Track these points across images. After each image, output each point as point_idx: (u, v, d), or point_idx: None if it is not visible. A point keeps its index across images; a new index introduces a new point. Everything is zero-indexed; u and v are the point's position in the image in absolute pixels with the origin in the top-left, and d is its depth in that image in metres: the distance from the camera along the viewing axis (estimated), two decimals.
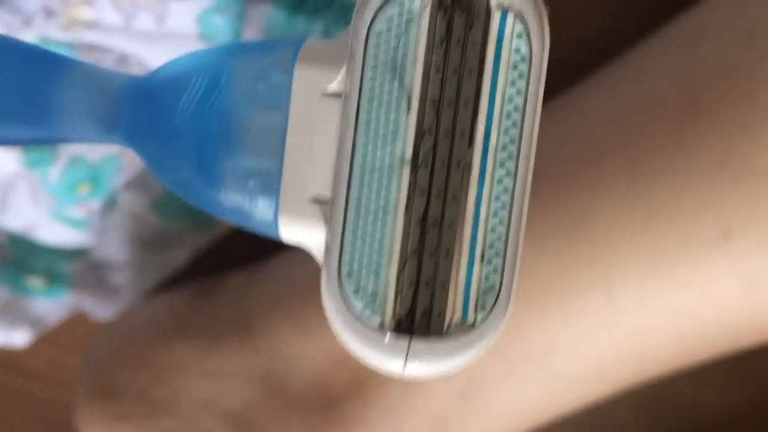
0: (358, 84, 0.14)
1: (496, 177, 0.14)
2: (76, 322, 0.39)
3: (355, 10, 0.14)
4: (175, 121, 0.15)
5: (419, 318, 0.14)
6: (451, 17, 0.14)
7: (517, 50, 0.15)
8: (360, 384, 0.34)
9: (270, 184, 0.15)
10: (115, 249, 0.38)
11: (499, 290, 0.14)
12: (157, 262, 0.40)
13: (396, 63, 0.14)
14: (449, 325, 0.14)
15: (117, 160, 0.36)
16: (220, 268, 0.40)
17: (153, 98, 0.16)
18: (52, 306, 0.39)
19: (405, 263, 0.14)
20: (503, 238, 0.14)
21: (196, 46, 0.33)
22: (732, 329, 0.32)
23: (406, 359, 0.14)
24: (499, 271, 0.14)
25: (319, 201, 0.14)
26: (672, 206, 0.30)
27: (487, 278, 0.14)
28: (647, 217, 0.31)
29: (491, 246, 0.14)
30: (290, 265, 0.36)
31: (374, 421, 0.34)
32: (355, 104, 0.14)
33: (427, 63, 0.14)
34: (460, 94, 0.14)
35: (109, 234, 0.38)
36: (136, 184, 0.37)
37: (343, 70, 0.14)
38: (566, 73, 0.37)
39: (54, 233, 0.38)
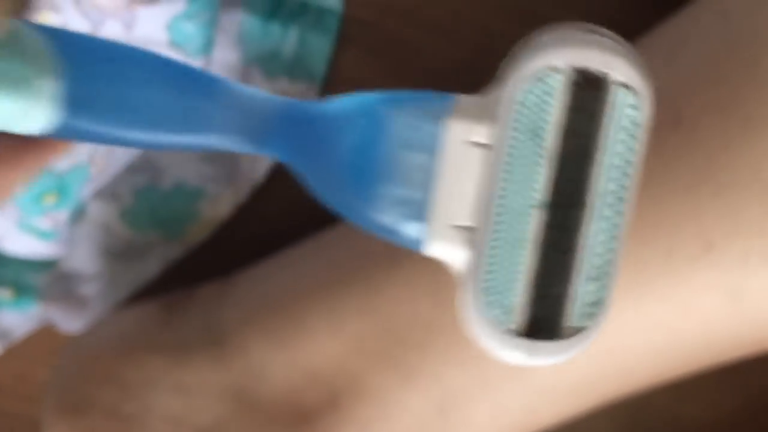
0: (504, 141, 0.17)
1: (606, 215, 0.18)
2: (45, 335, 0.39)
3: (504, 83, 0.18)
4: (338, 151, 0.19)
5: (542, 324, 0.18)
6: (581, 92, 0.17)
7: (630, 117, 0.18)
8: (334, 399, 0.34)
9: (419, 212, 0.18)
10: (84, 260, 0.38)
11: (602, 303, 0.18)
12: (128, 273, 0.39)
13: (536, 126, 0.17)
14: (564, 329, 0.18)
15: (84, 170, 0.35)
16: (192, 280, 0.39)
17: (317, 126, 0.19)
18: (20, 318, 0.38)
19: (533, 281, 0.17)
20: (610, 262, 0.18)
21: (166, 53, 0.32)
22: (714, 343, 0.31)
23: (530, 355, 0.18)
24: (606, 288, 0.18)
25: (461, 228, 0.18)
26: (652, 218, 0.30)
27: (596, 293, 0.18)
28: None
29: (600, 268, 0.18)
30: (262, 277, 0.36)
31: None
32: (501, 157, 0.17)
33: (560, 127, 0.17)
34: (583, 152, 0.17)
35: (77, 245, 0.37)
36: (105, 194, 0.37)
37: (490, 127, 0.17)
38: None
39: (21, 244, 0.37)
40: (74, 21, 0.31)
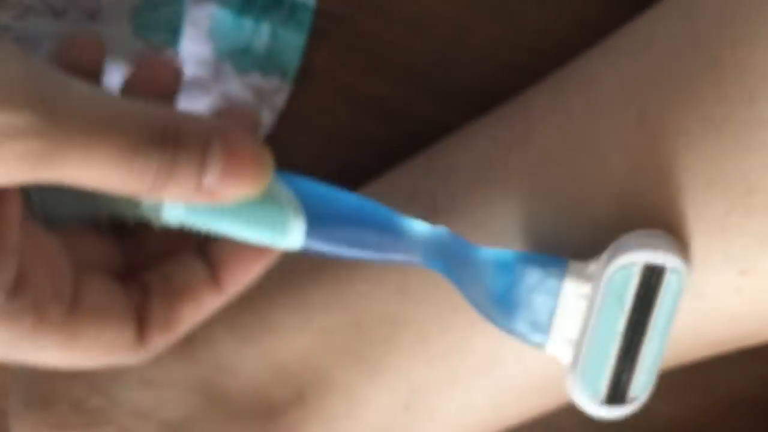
0: (598, 298, 0.29)
1: (659, 339, 0.29)
2: None
3: (605, 266, 0.29)
4: (485, 284, 0.30)
5: (617, 397, 0.30)
6: (649, 276, 0.29)
7: (676, 289, 0.29)
8: (301, 395, 0.34)
9: (544, 327, 0.30)
10: None
11: (650, 384, 0.30)
12: None
13: (620, 294, 0.29)
14: (627, 400, 0.30)
15: None
16: None
17: (470, 263, 0.30)
18: None
19: (613, 375, 0.30)
20: (655, 365, 0.30)
21: (132, 42, 0.32)
22: (678, 341, 0.31)
23: (609, 413, 0.30)
24: (652, 376, 0.30)
25: (570, 340, 0.30)
26: (615, 214, 0.30)
27: (646, 380, 0.30)
28: (593, 227, 0.30)
29: (651, 368, 0.30)
30: None
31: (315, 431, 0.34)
32: (595, 305, 0.29)
33: (635, 295, 0.29)
34: (646, 308, 0.29)
35: None
36: None
37: (592, 289, 0.29)
38: (519, 80, 0.37)
39: None
40: (37, 10, 0.31)
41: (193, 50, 0.37)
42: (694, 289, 0.30)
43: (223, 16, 0.37)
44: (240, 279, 0.28)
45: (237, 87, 0.38)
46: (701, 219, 0.29)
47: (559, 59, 0.36)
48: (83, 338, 0.26)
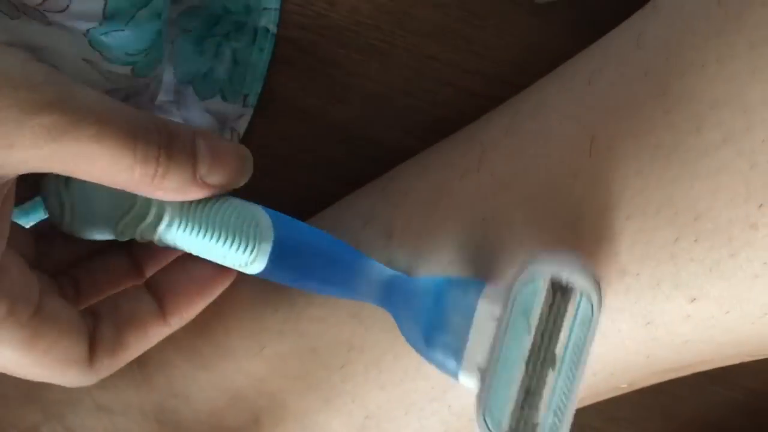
0: (505, 319, 0.27)
1: (568, 374, 0.27)
2: None
3: (511, 289, 0.28)
4: (419, 311, 0.29)
5: None
6: (556, 295, 0.27)
7: (585, 317, 0.27)
8: (256, 420, 0.34)
9: (457, 354, 0.28)
10: None
11: (560, 429, 0.27)
12: None
13: (526, 313, 0.27)
14: None
15: None
16: None
17: (411, 294, 0.30)
18: None
19: (515, 408, 0.27)
20: (565, 405, 0.27)
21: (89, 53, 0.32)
22: (630, 367, 0.31)
23: None
24: (561, 420, 0.27)
25: (479, 368, 0.28)
26: (568, 243, 0.30)
27: (554, 424, 0.27)
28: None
29: (559, 408, 0.27)
30: None
31: None
32: (504, 327, 0.27)
33: (541, 315, 0.27)
34: (554, 330, 0.27)
35: None
36: None
37: (501, 310, 0.28)
38: (478, 105, 0.37)
39: None
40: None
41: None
42: (644, 316, 0.30)
43: (184, 42, 0.37)
44: (184, 313, 0.31)
45: (198, 113, 0.38)
46: (651, 245, 0.29)
47: (516, 85, 0.37)
48: (41, 342, 0.28)
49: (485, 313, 0.27)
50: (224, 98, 0.38)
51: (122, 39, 0.31)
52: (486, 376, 0.27)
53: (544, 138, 0.31)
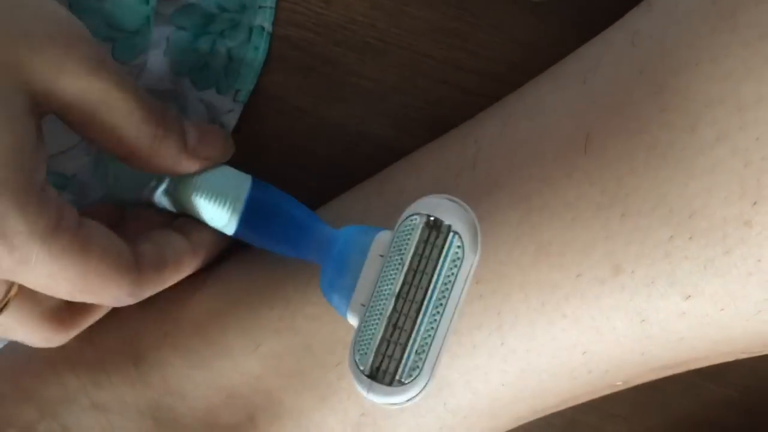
0: (387, 254, 0.28)
1: (433, 312, 0.27)
2: None
3: (397, 223, 0.28)
4: (328, 260, 0.30)
5: (382, 374, 0.27)
6: (430, 231, 0.27)
7: (456, 253, 0.27)
8: (252, 418, 0.34)
9: (349, 294, 0.28)
10: None
11: (421, 370, 0.27)
12: None
13: (402, 250, 0.27)
14: (393, 381, 0.27)
15: None
16: None
17: (329, 245, 0.31)
18: None
19: (381, 343, 0.27)
20: (428, 344, 0.27)
21: None
22: (625, 365, 0.31)
23: (368, 392, 0.27)
24: (423, 360, 0.27)
25: (363, 303, 0.28)
26: (562, 241, 0.30)
27: (415, 363, 0.27)
28: (538, 251, 0.30)
29: (422, 347, 0.27)
30: (181, 297, 0.36)
31: None
32: (386, 264, 0.28)
33: (415, 252, 0.27)
34: (426, 268, 0.27)
35: None
36: None
37: (386, 246, 0.28)
38: (474, 104, 0.37)
39: None
40: None
41: (153, 68, 0.37)
42: (639, 314, 0.30)
43: (180, 37, 0.37)
44: (210, 249, 0.34)
45: (193, 102, 0.38)
46: (646, 243, 0.29)
47: (511, 84, 0.37)
48: (95, 248, 0.29)
49: (376, 250, 0.28)
50: (219, 91, 0.38)
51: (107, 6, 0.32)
52: (363, 312, 0.27)
53: (538, 136, 0.31)
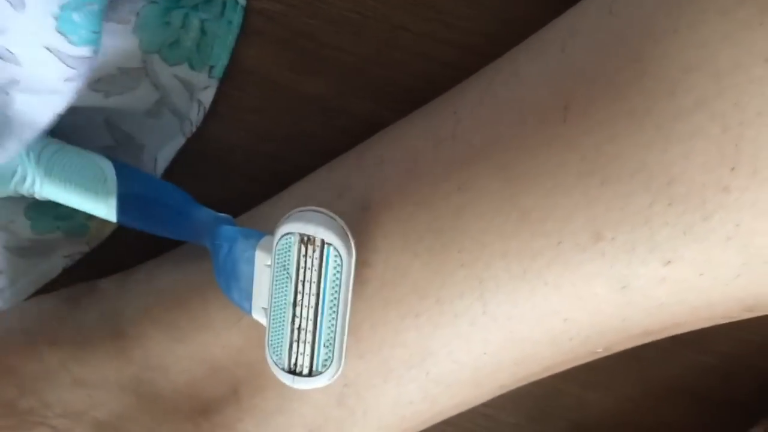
0: (272, 269, 0.31)
1: (330, 312, 0.31)
2: None
3: (273, 243, 0.31)
4: (223, 257, 0.33)
5: (300, 368, 0.31)
6: (306, 246, 0.30)
7: (335, 261, 0.30)
8: (235, 391, 0.34)
9: (248, 296, 0.32)
10: None
11: (332, 359, 0.31)
12: (30, 272, 0.38)
13: (285, 264, 0.31)
14: (310, 372, 0.31)
15: None
16: (95, 275, 0.39)
17: (220, 238, 0.33)
18: None
19: (291, 344, 0.31)
20: (332, 337, 0.31)
21: (51, 39, 0.32)
22: (606, 331, 0.32)
23: (293, 383, 0.31)
24: (331, 350, 0.31)
25: (263, 309, 0.32)
26: (543, 208, 0.30)
27: (326, 354, 0.31)
28: (519, 219, 0.30)
29: (328, 341, 0.31)
30: (160, 272, 0.36)
31: (250, 428, 0.34)
32: (273, 275, 0.31)
33: (298, 266, 0.31)
34: (312, 277, 0.31)
35: None
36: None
37: (271, 257, 0.31)
38: (452, 76, 0.37)
39: None
40: None
41: (118, 45, 0.36)
42: (620, 280, 0.30)
43: (150, 11, 0.37)
44: None
45: (166, 77, 0.37)
46: (626, 210, 0.29)
47: (489, 56, 0.37)
48: None
49: (261, 260, 0.31)
50: (191, 67, 0.38)
51: (92, 15, 0.31)
52: (268, 316, 0.31)
53: (518, 106, 0.31)
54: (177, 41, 0.37)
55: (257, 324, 0.33)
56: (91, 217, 0.39)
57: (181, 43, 0.37)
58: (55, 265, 0.39)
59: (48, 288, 0.39)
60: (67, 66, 0.32)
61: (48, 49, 0.31)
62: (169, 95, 0.38)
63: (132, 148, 0.38)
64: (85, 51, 0.32)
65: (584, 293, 0.30)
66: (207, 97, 0.38)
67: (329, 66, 0.38)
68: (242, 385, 0.34)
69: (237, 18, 0.37)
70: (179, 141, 0.38)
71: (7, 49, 0.31)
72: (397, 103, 0.38)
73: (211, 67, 0.38)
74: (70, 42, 0.31)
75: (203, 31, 0.37)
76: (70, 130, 0.36)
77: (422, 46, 0.38)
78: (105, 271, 0.39)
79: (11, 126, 0.33)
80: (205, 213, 0.34)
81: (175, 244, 0.38)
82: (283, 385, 0.33)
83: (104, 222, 0.39)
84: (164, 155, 0.38)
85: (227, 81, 0.38)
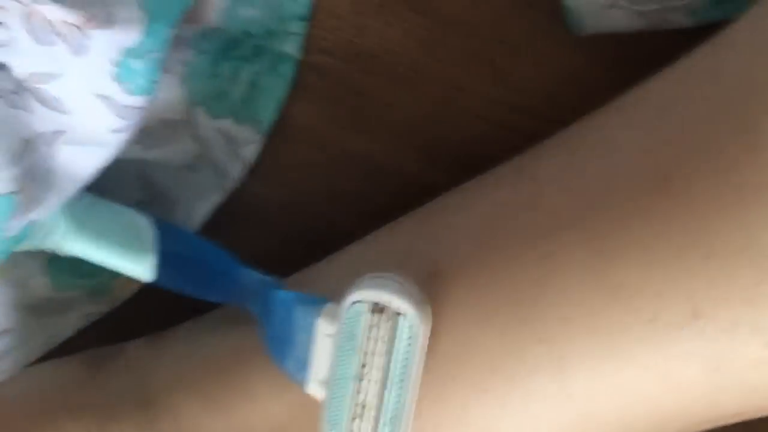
0: (337, 339, 0.29)
1: (398, 387, 0.29)
2: None
3: (341, 310, 0.29)
4: (276, 322, 0.31)
5: None
6: (377, 316, 0.29)
7: (409, 331, 0.29)
8: None
9: (305, 366, 0.30)
10: None
11: None
12: (44, 330, 0.35)
13: (353, 334, 0.29)
14: None
15: (10, 200, 0.31)
16: (117, 336, 0.36)
17: (269, 303, 0.31)
18: None
19: (353, 421, 0.29)
20: (399, 414, 0.29)
21: (108, 87, 0.30)
22: (690, 414, 0.30)
23: None
24: (398, 427, 0.29)
25: (321, 380, 0.30)
26: (638, 283, 0.28)
27: (391, 430, 0.29)
28: (609, 294, 0.29)
29: (394, 419, 0.29)
30: (196, 337, 0.33)
31: None
32: (337, 346, 0.29)
33: (364, 336, 0.29)
34: (381, 349, 0.29)
35: None
36: None
37: (335, 328, 0.29)
38: (509, 139, 0.36)
39: None
40: (20, 37, 0.28)
41: (163, 95, 0.34)
42: (715, 361, 0.28)
43: (199, 61, 0.35)
44: None
45: (209, 131, 0.35)
46: (730, 288, 0.28)
47: (549, 120, 0.35)
48: None
49: (323, 330, 0.29)
50: (237, 121, 0.36)
51: (154, 63, 0.29)
52: (327, 390, 0.29)
53: (610, 174, 0.30)
54: (224, 93, 0.35)
55: (304, 399, 0.31)
56: (116, 276, 0.36)
57: (228, 95, 0.35)
58: (70, 325, 0.36)
59: (60, 349, 0.36)
60: (118, 116, 0.29)
61: (100, 97, 0.29)
62: (210, 149, 0.35)
63: (166, 204, 0.36)
64: (139, 101, 0.29)
65: (674, 374, 0.29)
66: (251, 153, 0.36)
67: (380, 124, 0.36)
68: None
69: (289, 72, 0.36)
70: (217, 197, 0.36)
71: (55, 97, 0.29)
72: (449, 164, 0.36)
73: (257, 122, 0.36)
74: (125, 90, 0.29)
75: (253, 85, 0.35)
76: (99, 183, 0.34)
77: (479, 107, 0.36)
78: (122, 332, 0.36)
79: (52, 179, 0.30)
80: (251, 275, 0.32)
81: (208, 305, 0.35)
82: None
83: (129, 281, 0.36)
84: (200, 211, 0.36)
85: (272, 136, 0.36)
